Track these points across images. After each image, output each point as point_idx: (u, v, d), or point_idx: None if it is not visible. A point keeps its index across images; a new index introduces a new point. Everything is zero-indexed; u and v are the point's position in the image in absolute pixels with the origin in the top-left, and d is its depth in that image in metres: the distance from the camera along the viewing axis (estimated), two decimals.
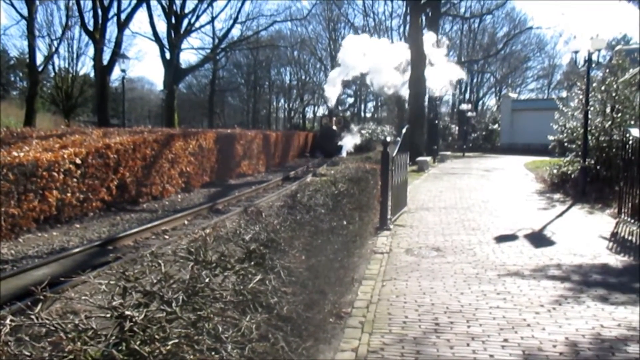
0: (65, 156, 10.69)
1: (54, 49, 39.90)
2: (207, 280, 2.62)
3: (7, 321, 1.98)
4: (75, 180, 10.95)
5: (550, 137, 18.06)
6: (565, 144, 16.19)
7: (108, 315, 2.17)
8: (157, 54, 60.29)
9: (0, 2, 33.88)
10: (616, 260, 7.23)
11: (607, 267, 6.91)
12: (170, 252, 3.12)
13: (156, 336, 2.05)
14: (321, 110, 60.19)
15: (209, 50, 45.33)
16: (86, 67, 58.06)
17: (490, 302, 5.41)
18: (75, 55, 44.04)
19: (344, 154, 33.68)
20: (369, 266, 6.83)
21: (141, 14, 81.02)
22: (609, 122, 14.40)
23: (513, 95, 54.57)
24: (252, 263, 3.14)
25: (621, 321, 4.86)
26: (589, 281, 6.20)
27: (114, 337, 2.03)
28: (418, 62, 29.02)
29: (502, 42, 54.27)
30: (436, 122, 35.95)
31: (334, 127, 39.63)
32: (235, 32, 50.78)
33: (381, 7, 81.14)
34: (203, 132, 18.86)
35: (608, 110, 14.60)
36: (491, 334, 4.56)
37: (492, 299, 5.52)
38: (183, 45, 41.00)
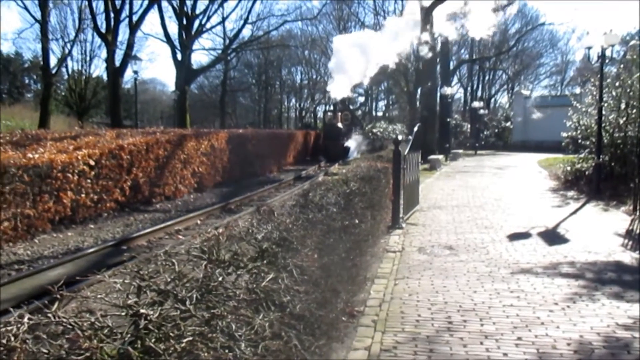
0: (79, 157, 10.80)
1: (67, 52, 40.39)
2: (220, 278, 2.64)
3: (25, 319, 2.01)
4: (89, 181, 11.06)
5: (564, 134, 17.90)
6: (579, 141, 16.04)
7: (123, 314, 2.20)
8: (168, 55, 60.79)
9: (15, 6, 34.24)
10: (631, 258, 7.16)
11: (621, 264, 6.84)
12: (184, 251, 3.14)
13: (171, 334, 2.08)
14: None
15: (220, 51, 45.42)
16: (99, 69, 58.64)
17: (504, 300, 5.39)
18: (88, 58, 44.55)
19: (351, 157, 28.70)
20: (382, 265, 6.83)
21: (153, 15, 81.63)
22: (624, 119, 14.24)
23: (525, 92, 54.15)
24: (265, 262, 3.15)
25: (637, 319, 4.81)
26: (604, 279, 6.15)
27: (129, 335, 2.05)
28: (429, 59, 28.90)
29: (514, 38, 53.80)
30: (448, 120, 35.70)
31: (340, 125, 33.49)
32: (246, 32, 50.88)
33: (392, 5, 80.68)
34: (215, 133, 18.95)
35: (622, 106, 14.43)
36: (505, 332, 4.54)
37: (506, 297, 5.49)
38: (194, 46, 41.04)
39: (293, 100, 70.74)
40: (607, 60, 13.70)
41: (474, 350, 4.19)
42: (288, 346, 2.65)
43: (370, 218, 6.61)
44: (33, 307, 3.56)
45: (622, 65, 15.20)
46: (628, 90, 14.21)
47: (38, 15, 34.33)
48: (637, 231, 8.94)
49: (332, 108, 37.15)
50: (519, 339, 4.39)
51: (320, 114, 64.68)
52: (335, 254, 4.33)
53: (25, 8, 34.82)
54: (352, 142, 32.78)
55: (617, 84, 14.57)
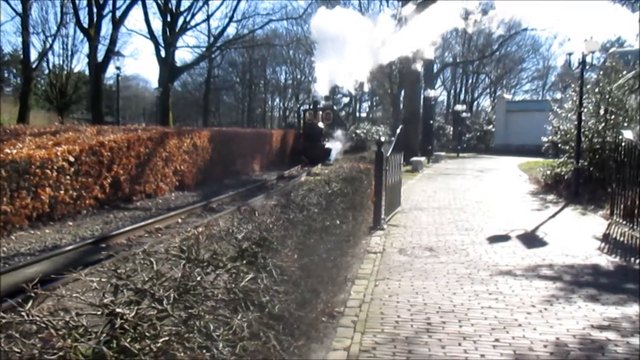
0: (59, 153, 10.64)
1: (48, 46, 39.64)
2: (198, 278, 2.62)
3: None
4: (68, 177, 10.90)
5: (544, 139, 18.13)
6: (559, 146, 16.27)
7: (99, 313, 2.17)
8: (152, 52, 60.19)
9: None
10: (607, 261, 7.28)
11: (598, 267, 6.95)
12: (163, 250, 3.12)
13: (147, 334, 2.06)
14: None
15: (204, 49, 45.13)
16: (81, 64, 57.84)
17: (482, 302, 5.44)
18: (69, 53, 43.73)
19: (332, 159, 26.25)
20: (362, 266, 6.84)
21: (136, 11, 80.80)
22: (602, 124, 14.48)
23: (508, 96, 54.77)
24: (244, 262, 3.14)
25: (611, 321, 4.90)
26: (581, 281, 6.24)
27: (104, 335, 2.03)
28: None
29: (497, 43, 54.38)
30: (431, 122, 35.87)
31: (321, 125, 30.76)
32: (231, 30, 50.96)
33: (376, 6, 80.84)
34: (197, 131, 18.82)
35: (601, 112, 14.66)
36: (483, 333, 4.58)
37: (484, 299, 5.54)
38: (178, 44, 40.54)
39: (277, 100, 70.71)
40: (587, 67, 13.91)
41: (452, 352, 4.22)
42: (266, 346, 2.64)
43: (351, 219, 6.63)
44: (6, 306, 3.49)
45: (601, 72, 15.45)
46: (607, 96, 14.45)
47: (19, 8, 33.72)
48: (614, 235, 9.10)
49: (312, 106, 33.06)
50: (497, 340, 4.44)
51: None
52: (316, 255, 4.33)
53: (6, 1, 34.07)
54: (334, 143, 30.30)
55: (596, 90, 14.81)
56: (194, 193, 16.03)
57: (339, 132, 32.02)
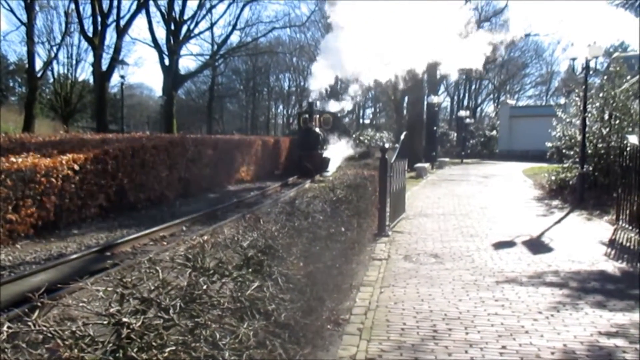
0: (64, 162, 10.68)
1: (53, 55, 39.94)
2: (204, 287, 2.61)
3: (4, 328, 1.97)
4: (73, 186, 10.93)
5: (549, 144, 18.10)
6: (564, 151, 16.23)
7: (105, 322, 2.16)
8: (156, 60, 60.28)
9: (0, 8, 33.92)
10: (614, 267, 7.24)
11: (605, 273, 6.92)
12: (168, 258, 3.11)
13: (153, 343, 2.05)
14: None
15: (208, 57, 45.37)
16: (85, 73, 57.96)
17: (489, 309, 5.41)
18: (74, 61, 44.04)
19: (331, 169, 23.06)
20: (367, 273, 6.83)
21: (140, 20, 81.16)
22: (607, 129, 14.45)
23: (511, 102, 54.73)
24: (250, 270, 3.13)
25: (619, 328, 4.86)
26: (587, 288, 6.21)
27: (111, 344, 2.02)
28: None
29: (500, 48, 54.34)
30: (434, 128, 35.82)
31: (318, 130, 26.30)
32: (234, 38, 50.86)
33: None
34: (201, 138, 18.82)
35: (606, 117, 14.64)
36: (489, 340, 4.56)
37: (490, 305, 5.52)
38: (182, 52, 40.73)
39: (281, 107, 70.89)
40: (591, 72, 13.90)
41: (459, 359, 4.19)
42: (273, 355, 2.63)
43: (356, 226, 6.60)
44: (13, 315, 3.49)
45: (605, 77, 15.42)
46: (611, 101, 14.42)
47: (24, 17, 34.05)
48: (620, 240, 9.06)
49: (307, 109, 27.85)
50: (504, 347, 4.41)
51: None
52: (321, 262, 4.32)
53: (11, 10, 34.44)
54: (334, 152, 26.57)
55: (600, 95, 14.78)
56: (199, 200, 16.03)
57: (338, 139, 28.96)
